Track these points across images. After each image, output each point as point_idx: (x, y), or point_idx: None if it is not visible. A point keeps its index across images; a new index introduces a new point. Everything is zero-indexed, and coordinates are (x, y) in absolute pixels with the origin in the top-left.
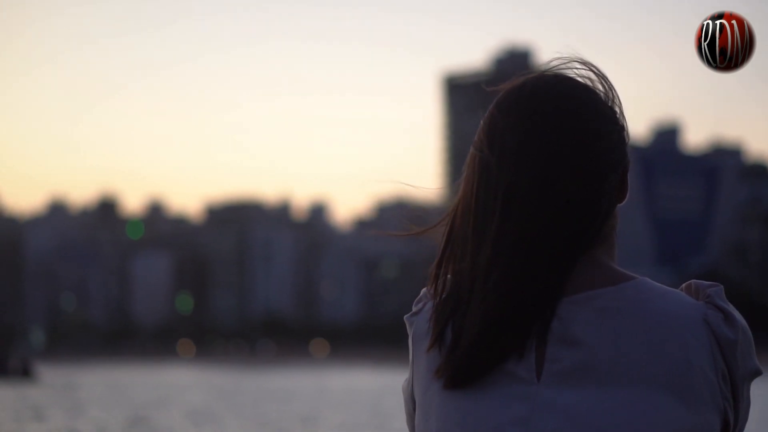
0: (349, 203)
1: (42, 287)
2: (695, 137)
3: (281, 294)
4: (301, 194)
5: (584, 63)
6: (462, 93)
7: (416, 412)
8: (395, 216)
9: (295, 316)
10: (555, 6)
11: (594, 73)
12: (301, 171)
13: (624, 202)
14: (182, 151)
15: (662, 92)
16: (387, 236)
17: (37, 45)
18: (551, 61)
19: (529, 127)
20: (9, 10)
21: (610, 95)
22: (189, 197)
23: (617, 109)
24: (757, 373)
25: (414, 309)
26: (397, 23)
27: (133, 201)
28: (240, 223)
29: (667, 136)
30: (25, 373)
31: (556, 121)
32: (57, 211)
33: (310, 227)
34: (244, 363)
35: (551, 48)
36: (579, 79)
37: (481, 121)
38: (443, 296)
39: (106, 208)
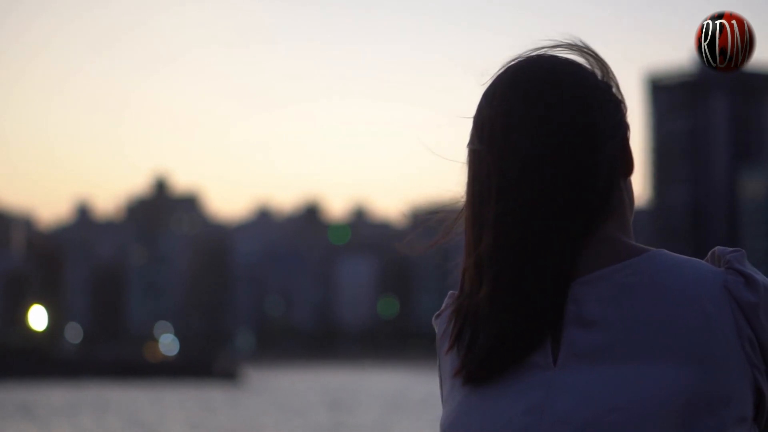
0: None
1: (249, 292)
2: None
3: None
4: None
5: (572, 45)
6: (667, 93)
7: (442, 412)
8: None
9: None
10: None
11: (584, 51)
12: None
13: (632, 174)
14: (385, 155)
15: None
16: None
17: (244, 53)
18: (538, 45)
19: (511, 108)
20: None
21: (601, 69)
22: (392, 202)
23: (611, 83)
24: None
25: (441, 310)
26: (601, 22)
27: (337, 206)
28: (443, 227)
29: None
30: (230, 375)
31: (537, 97)
32: (263, 217)
33: None
34: None
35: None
36: (562, 56)
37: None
38: (458, 296)
39: (311, 214)
